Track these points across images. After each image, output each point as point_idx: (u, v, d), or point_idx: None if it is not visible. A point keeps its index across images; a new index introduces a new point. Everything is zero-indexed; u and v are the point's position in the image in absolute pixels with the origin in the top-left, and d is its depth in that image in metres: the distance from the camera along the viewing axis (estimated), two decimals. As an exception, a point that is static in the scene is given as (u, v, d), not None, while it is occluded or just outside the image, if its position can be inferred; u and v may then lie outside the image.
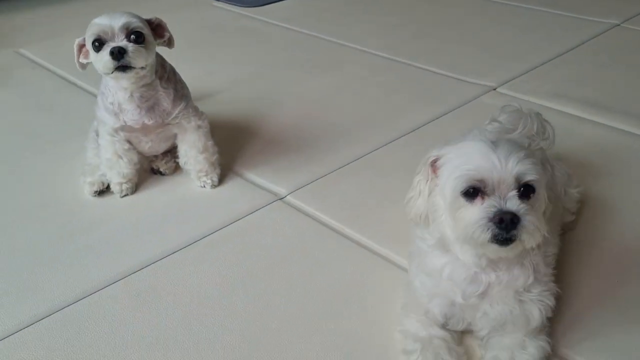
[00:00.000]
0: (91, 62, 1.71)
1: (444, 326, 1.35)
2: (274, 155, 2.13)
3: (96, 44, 1.65)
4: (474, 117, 2.26)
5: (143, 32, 1.67)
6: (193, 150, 1.90)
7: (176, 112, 1.82)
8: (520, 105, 1.77)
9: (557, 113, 2.32)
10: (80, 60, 1.74)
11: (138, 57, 1.64)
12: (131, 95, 1.75)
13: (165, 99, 1.79)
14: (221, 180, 1.98)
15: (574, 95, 2.48)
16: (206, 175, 1.93)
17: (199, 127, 1.90)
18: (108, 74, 1.68)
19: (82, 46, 1.73)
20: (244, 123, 2.34)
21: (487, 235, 1.09)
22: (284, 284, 1.58)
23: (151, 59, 1.72)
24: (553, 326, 1.36)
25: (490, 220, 1.08)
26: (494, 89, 2.58)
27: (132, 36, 1.65)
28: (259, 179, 2.01)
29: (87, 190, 1.93)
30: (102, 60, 1.64)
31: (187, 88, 1.89)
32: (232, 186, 1.97)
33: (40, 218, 1.86)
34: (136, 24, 1.67)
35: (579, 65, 2.79)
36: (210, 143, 1.94)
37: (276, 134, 2.27)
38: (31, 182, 2.04)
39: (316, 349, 1.38)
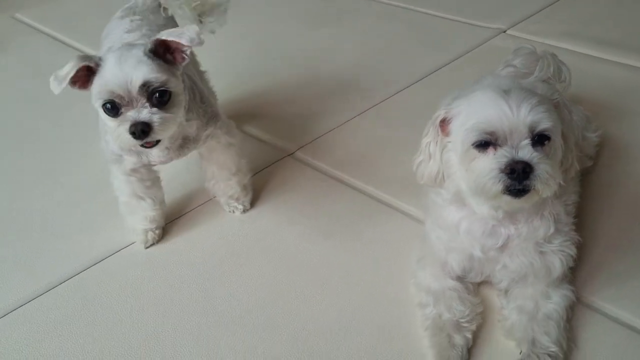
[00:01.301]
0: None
1: (460, 278, 1.33)
2: (281, 112, 2.08)
3: (108, 106, 1.25)
4: (485, 61, 2.19)
5: (169, 89, 1.26)
6: (224, 172, 1.61)
7: (204, 136, 1.50)
8: (533, 46, 1.70)
9: (571, 53, 2.24)
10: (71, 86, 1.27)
11: (167, 128, 1.27)
12: None
13: (192, 127, 1.45)
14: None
15: (587, 34, 2.39)
16: (237, 201, 1.66)
17: (230, 145, 1.57)
18: (128, 147, 1.34)
19: (83, 74, 1.27)
20: (248, 81, 2.28)
21: (500, 186, 1.05)
22: (297, 238, 1.57)
23: (181, 115, 1.34)
24: (576, 273, 1.33)
25: (502, 170, 1.04)
26: (504, 32, 2.50)
27: (156, 95, 1.25)
28: (268, 136, 1.97)
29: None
30: (120, 136, 1.25)
31: (215, 100, 1.57)
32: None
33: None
34: (159, 78, 1.24)
35: (591, 2, 2.68)
36: (243, 162, 1.63)
37: (281, 90, 2.21)
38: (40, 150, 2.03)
39: (327, 301, 1.38)
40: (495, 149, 1.06)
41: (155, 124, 1.23)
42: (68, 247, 1.60)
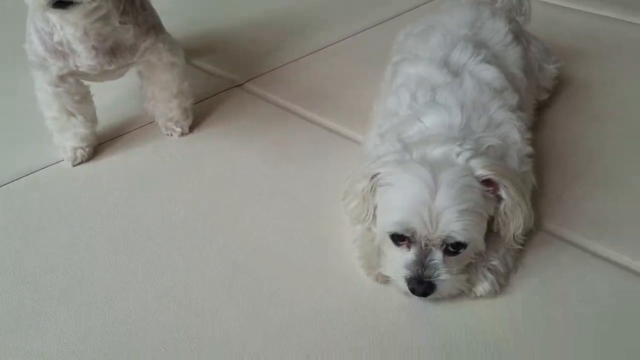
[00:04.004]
0: None
1: None
2: (233, 48, 2.00)
3: None
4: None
5: None
6: (165, 94, 1.52)
7: (143, 47, 1.41)
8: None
9: (542, 4, 2.19)
10: None
11: None
12: (84, 33, 1.29)
13: (129, 33, 1.36)
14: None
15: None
16: (176, 124, 1.58)
17: (173, 65, 1.49)
18: (42, 10, 1.22)
19: None
20: (200, 21, 2.19)
21: (405, 288, 1.08)
22: (239, 162, 1.49)
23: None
24: (537, 202, 1.27)
25: (407, 280, 1.06)
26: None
27: None
28: (217, 69, 1.88)
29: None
30: None
31: (157, 16, 1.47)
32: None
33: None
34: None
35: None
36: (186, 84, 1.55)
37: (234, 28, 2.12)
38: None
39: (261, 218, 1.32)
40: (409, 246, 1.07)
41: None
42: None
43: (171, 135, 1.58)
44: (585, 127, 1.57)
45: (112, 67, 1.38)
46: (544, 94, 1.60)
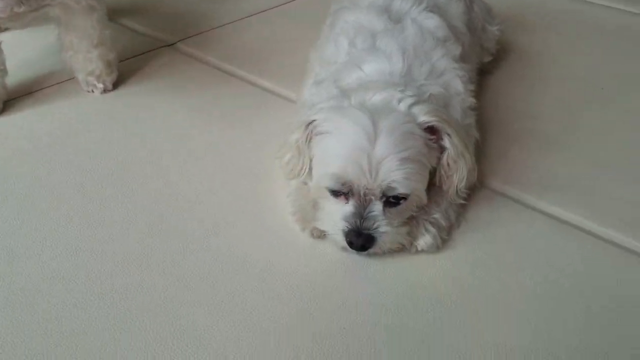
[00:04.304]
0: None
1: None
2: (165, 8, 1.89)
3: None
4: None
5: None
6: (84, 43, 1.40)
7: None
8: None
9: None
10: None
11: None
12: None
13: None
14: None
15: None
16: (98, 79, 1.44)
17: (91, 8, 1.36)
18: None
19: None
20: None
21: (342, 242, 1.00)
22: (172, 121, 1.39)
23: None
24: (480, 161, 1.22)
25: (345, 234, 0.99)
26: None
27: None
28: (144, 28, 1.76)
29: None
30: None
31: None
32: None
33: None
34: None
35: None
36: (107, 33, 1.42)
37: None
38: None
39: (203, 179, 1.22)
40: (347, 198, 0.99)
41: None
42: None
43: (92, 91, 1.45)
44: (527, 92, 1.55)
45: (23, 9, 1.25)
46: (487, 56, 1.56)
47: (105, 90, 1.45)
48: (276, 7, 1.93)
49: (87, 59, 1.41)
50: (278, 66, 1.59)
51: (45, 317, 0.91)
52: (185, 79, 1.54)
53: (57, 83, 1.49)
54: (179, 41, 1.70)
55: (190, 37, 1.72)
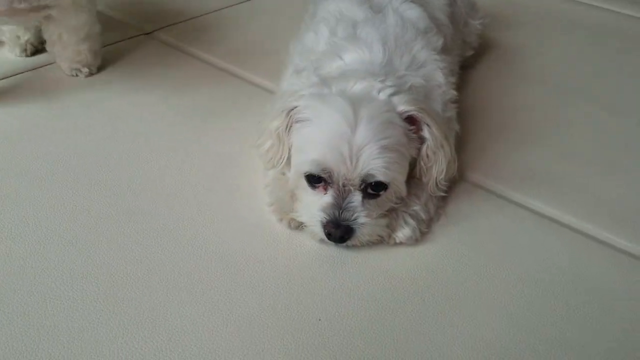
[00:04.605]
0: None
1: None
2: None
3: None
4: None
5: None
6: (73, 38, 1.41)
7: None
8: None
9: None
10: None
11: None
12: None
13: None
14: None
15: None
16: (84, 66, 1.45)
17: (87, 7, 1.40)
18: None
19: None
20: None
21: (321, 233, 0.99)
22: (149, 111, 1.36)
23: None
24: (461, 154, 1.21)
25: (323, 225, 0.97)
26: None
27: None
28: (122, 15, 1.73)
29: None
30: None
31: None
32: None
33: None
34: None
35: None
36: (98, 27, 1.45)
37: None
38: None
39: (180, 169, 1.19)
40: (326, 188, 0.98)
41: None
42: None
43: (76, 75, 1.44)
44: (508, 87, 1.55)
45: (23, 5, 1.26)
46: (469, 50, 1.56)
47: (90, 74, 1.45)
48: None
49: (75, 52, 1.42)
50: (259, 56, 1.57)
51: (30, 316, 0.88)
52: (164, 68, 1.51)
53: (34, 69, 1.46)
54: (156, 30, 1.67)
55: (169, 25, 1.69)
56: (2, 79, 1.41)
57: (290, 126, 1.01)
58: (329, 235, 0.98)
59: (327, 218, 0.97)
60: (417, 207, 1.05)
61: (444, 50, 1.20)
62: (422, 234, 1.05)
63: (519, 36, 1.80)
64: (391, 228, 1.02)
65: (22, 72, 1.45)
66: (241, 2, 1.87)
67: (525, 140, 1.33)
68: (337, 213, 0.97)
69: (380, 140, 0.95)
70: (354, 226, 0.97)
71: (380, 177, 0.96)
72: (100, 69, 1.47)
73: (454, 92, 1.16)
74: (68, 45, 1.41)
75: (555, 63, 1.68)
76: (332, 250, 1.01)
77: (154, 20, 1.71)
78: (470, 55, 1.57)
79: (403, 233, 1.02)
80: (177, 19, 1.73)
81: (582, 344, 0.89)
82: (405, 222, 1.03)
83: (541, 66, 1.66)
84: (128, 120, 1.32)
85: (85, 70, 1.44)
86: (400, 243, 1.03)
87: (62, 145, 1.22)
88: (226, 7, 1.83)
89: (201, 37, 1.65)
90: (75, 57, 1.42)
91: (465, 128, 1.29)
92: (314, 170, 0.97)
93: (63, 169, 1.16)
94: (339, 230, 0.97)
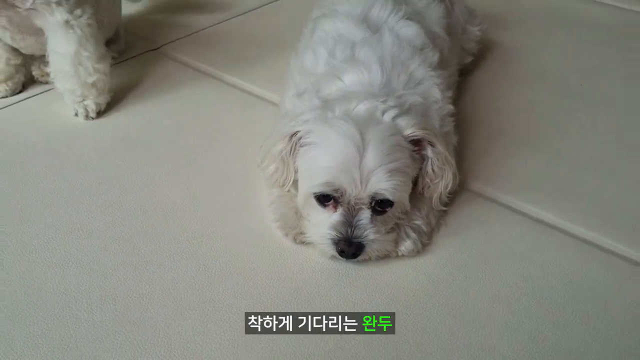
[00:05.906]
0: None
1: None
2: (150, 9, 1.90)
3: None
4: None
5: None
6: (62, 62, 1.32)
7: None
8: None
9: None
10: None
11: None
12: None
13: None
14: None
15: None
16: (82, 101, 1.38)
17: (67, 24, 1.27)
18: None
19: None
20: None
21: (332, 251, 1.03)
22: (158, 125, 1.41)
23: None
24: (460, 163, 1.25)
25: (335, 243, 1.02)
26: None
27: None
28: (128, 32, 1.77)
29: None
30: None
31: None
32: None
33: None
34: None
35: None
36: (87, 54, 1.32)
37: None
38: None
39: (187, 184, 1.24)
40: (336, 206, 1.02)
41: None
42: None
43: (76, 115, 1.40)
44: (507, 90, 1.58)
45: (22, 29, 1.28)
46: (468, 57, 1.59)
47: (88, 117, 1.41)
48: (258, 7, 1.95)
49: (65, 78, 1.38)
50: (259, 68, 1.61)
51: (31, 327, 0.94)
52: (170, 82, 1.55)
53: (42, 92, 1.51)
54: (163, 45, 1.71)
55: (176, 40, 1.73)
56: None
57: (295, 150, 1.06)
58: (342, 253, 1.02)
59: (339, 236, 1.02)
60: (419, 221, 1.10)
61: (441, 64, 1.24)
62: (424, 245, 1.09)
63: (517, 36, 1.82)
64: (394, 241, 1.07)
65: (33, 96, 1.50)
66: (247, 12, 1.91)
67: (524, 144, 1.37)
68: (348, 231, 1.02)
69: (390, 164, 1.00)
70: (364, 242, 1.02)
71: (389, 197, 1.00)
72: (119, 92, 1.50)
73: (451, 107, 1.19)
74: (59, 71, 1.36)
75: (554, 62, 1.71)
76: (337, 264, 1.06)
77: (161, 35, 1.75)
78: (469, 62, 1.60)
79: (405, 246, 1.07)
80: (185, 33, 1.77)
81: (580, 351, 0.93)
82: (407, 235, 1.07)
83: (540, 66, 1.68)
84: (136, 138, 1.36)
85: (82, 111, 1.39)
86: (403, 255, 1.07)
87: (68, 165, 1.27)
88: (228, 20, 1.87)
89: (208, 49, 1.70)
90: (65, 84, 1.38)
91: (465, 135, 1.33)
92: (326, 191, 1.01)
93: (69, 189, 1.21)
94: (351, 248, 1.02)
